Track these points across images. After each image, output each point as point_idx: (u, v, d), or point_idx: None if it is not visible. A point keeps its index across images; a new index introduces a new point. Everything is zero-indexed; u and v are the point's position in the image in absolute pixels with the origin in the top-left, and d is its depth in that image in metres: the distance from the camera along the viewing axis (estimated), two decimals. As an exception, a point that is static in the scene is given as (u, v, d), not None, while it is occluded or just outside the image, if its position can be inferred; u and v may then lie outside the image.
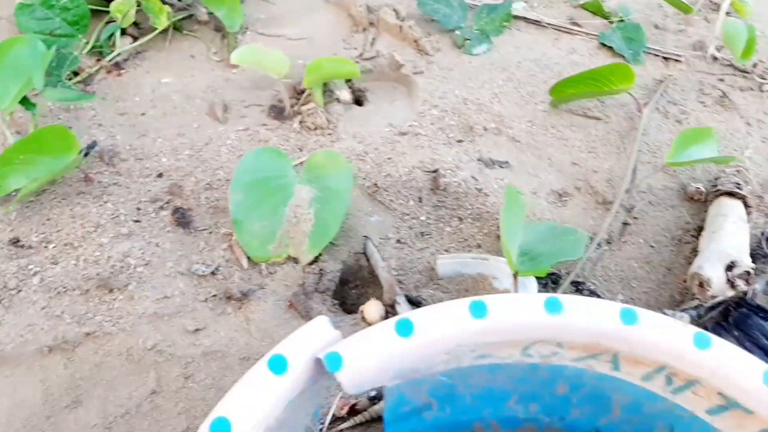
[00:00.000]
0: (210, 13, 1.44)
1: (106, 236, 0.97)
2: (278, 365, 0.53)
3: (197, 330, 0.88)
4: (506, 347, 0.62)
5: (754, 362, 0.61)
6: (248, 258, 0.98)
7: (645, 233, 1.13)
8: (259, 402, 0.52)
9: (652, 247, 1.11)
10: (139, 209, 1.03)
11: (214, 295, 0.93)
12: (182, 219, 1.02)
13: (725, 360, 0.61)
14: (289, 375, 0.53)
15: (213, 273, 0.96)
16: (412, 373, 0.62)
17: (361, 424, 0.82)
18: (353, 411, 0.82)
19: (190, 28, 1.44)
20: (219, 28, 1.44)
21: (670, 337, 0.61)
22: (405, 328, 0.57)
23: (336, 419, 0.81)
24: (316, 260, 0.99)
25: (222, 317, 0.90)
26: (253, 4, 1.54)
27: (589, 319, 0.60)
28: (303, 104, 1.24)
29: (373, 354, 0.56)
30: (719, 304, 1.00)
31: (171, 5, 1.39)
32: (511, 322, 0.59)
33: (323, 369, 0.56)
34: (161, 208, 1.05)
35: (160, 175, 1.10)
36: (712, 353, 0.61)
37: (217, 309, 0.92)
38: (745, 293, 0.99)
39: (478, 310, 0.59)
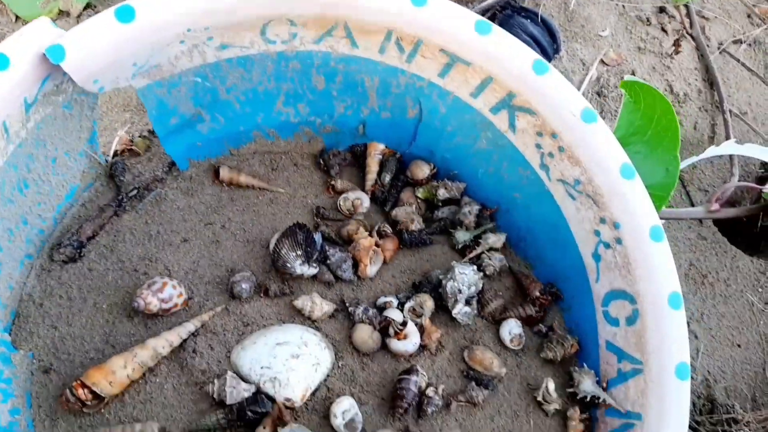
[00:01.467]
0: None
1: None
2: (-3, 62, 0.52)
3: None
4: (242, 30, 0.64)
5: (466, 14, 0.65)
6: (17, 17, 0.92)
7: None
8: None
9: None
10: None
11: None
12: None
13: (441, 15, 0.65)
14: (12, 70, 0.53)
15: (-19, 37, 0.90)
16: (157, 72, 0.63)
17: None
18: (132, 152, 0.83)
19: None
20: None
21: (390, -1, 0.64)
22: (126, 14, 0.57)
23: (122, 152, 0.82)
24: (89, 10, 0.94)
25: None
26: None
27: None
28: None
29: (97, 42, 0.56)
30: (487, 9, 1.06)
31: None
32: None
33: (51, 65, 0.56)
34: None
35: None
36: (429, 9, 0.64)
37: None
38: (508, -3, 1.05)
39: (200, -7, 0.59)
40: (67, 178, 0.73)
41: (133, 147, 0.82)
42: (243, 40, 0.65)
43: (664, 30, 1.07)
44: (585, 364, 0.72)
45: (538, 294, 0.77)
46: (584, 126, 0.65)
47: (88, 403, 0.63)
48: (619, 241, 0.66)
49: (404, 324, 0.73)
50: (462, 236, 0.81)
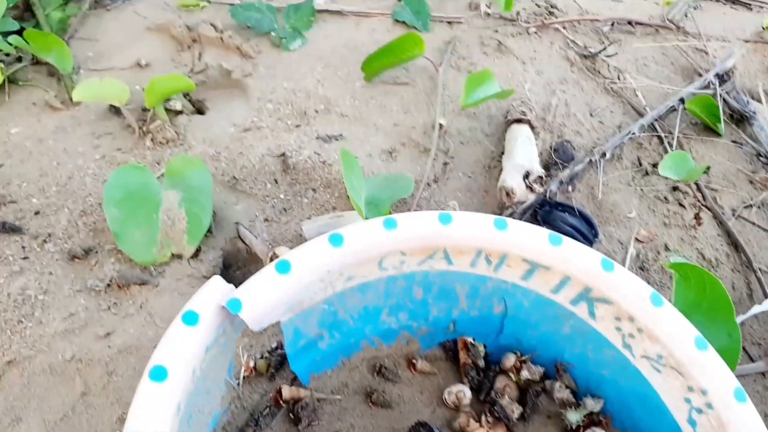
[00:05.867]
0: (39, 62, 1.45)
1: (0, 277, 1.00)
2: (191, 318, 0.63)
3: (108, 334, 0.94)
4: (365, 265, 0.76)
5: (539, 231, 0.78)
6: (136, 264, 1.05)
7: (462, 167, 1.30)
8: (184, 349, 0.62)
9: (470, 177, 1.29)
10: (24, 248, 1.07)
11: (115, 303, 1.00)
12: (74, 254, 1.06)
13: (520, 234, 0.77)
14: (201, 325, 0.63)
15: (108, 285, 1.02)
16: (299, 306, 0.74)
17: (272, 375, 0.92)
18: (255, 370, 0.92)
19: (25, 78, 1.44)
20: (53, 73, 1.45)
21: (478, 226, 0.77)
22: (284, 267, 0.68)
23: (248, 375, 0.90)
24: (198, 253, 1.07)
25: (127, 318, 0.97)
26: (79, 44, 1.56)
27: (418, 227, 0.75)
28: (150, 123, 1.30)
29: (264, 292, 0.67)
30: (528, 208, 1.20)
31: (1, 61, 1.39)
32: (362, 242, 0.72)
33: (228, 315, 0.67)
34: (44, 241, 1.08)
35: (36, 213, 1.13)
36: (510, 232, 0.77)
37: (121, 313, 0.98)
38: (543, 194, 1.19)
39: (336, 241, 0.71)
40: (213, 406, 0.81)
41: (255, 369, 0.91)
42: (364, 272, 0.77)
43: (681, 205, 1.21)
44: None
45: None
46: (655, 309, 0.75)
47: None
48: (709, 405, 0.73)
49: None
50: (573, 416, 0.87)
